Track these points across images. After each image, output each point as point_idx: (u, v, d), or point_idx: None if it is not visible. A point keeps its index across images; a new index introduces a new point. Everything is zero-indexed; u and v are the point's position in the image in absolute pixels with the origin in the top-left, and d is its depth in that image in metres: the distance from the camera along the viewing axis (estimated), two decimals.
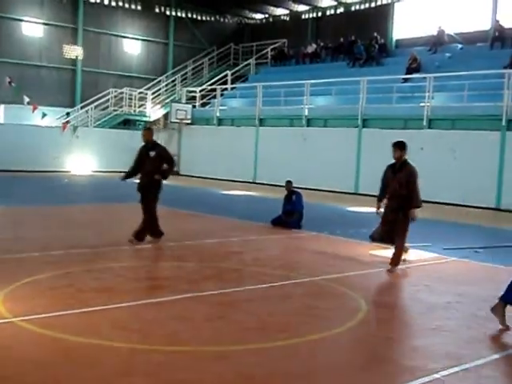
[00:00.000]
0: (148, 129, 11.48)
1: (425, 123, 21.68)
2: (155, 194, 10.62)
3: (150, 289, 7.49)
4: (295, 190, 13.72)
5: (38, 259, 8.91)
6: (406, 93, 23.90)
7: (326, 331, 6.08)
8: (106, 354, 5.18)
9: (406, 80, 25.16)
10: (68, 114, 31.13)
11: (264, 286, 7.92)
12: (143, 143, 10.88)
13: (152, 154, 10.47)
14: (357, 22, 32.54)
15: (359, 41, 30.46)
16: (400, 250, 9.28)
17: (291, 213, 13.42)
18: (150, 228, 10.56)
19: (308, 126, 25.58)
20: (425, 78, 22.85)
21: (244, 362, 5.18)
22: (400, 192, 9.03)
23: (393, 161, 9.41)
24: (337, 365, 5.29)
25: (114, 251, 9.79)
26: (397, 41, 32.18)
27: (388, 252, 10.89)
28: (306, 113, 25.54)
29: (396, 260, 9.23)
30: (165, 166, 10.58)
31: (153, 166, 10.44)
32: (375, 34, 29.87)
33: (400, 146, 9.18)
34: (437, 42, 28.27)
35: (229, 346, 5.54)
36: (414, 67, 25.96)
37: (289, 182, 13.68)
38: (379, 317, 6.78)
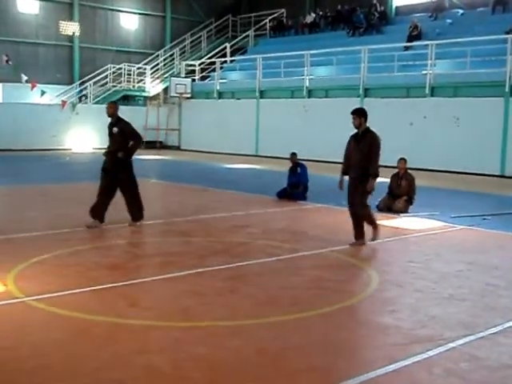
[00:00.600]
0: (112, 102, 10.62)
1: (427, 91, 21.54)
2: (127, 175, 9.89)
3: (159, 265, 7.46)
4: (300, 162, 13.65)
5: (45, 238, 8.89)
6: (407, 61, 23.64)
7: (337, 304, 6.06)
8: (122, 331, 5.17)
9: (407, 48, 24.91)
10: (81, 92, 30.85)
11: (273, 259, 7.91)
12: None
13: (115, 130, 9.83)
14: None
15: (358, 9, 30.11)
16: (370, 219, 8.91)
17: (296, 185, 13.37)
18: (135, 207, 10.01)
19: (309, 97, 25.43)
20: (426, 45, 22.63)
21: (258, 336, 5.17)
22: (361, 164, 8.51)
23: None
24: (350, 338, 5.28)
25: (119, 228, 9.76)
26: (396, 8, 31.76)
27: (395, 222, 10.89)
28: (307, 84, 25.35)
29: (374, 230, 8.93)
30: (131, 142, 9.85)
31: (116, 143, 9.82)
32: (374, 1, 29.48)
33: (359, 113, 8.65)
34: (437, 8, 27.95)
35: (242, 320, 5.53)
36: (414, 35, 25.69)
37: (293, 154, 13.60)
38: (391, 287, 6.76)
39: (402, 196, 12.19)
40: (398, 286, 6.78)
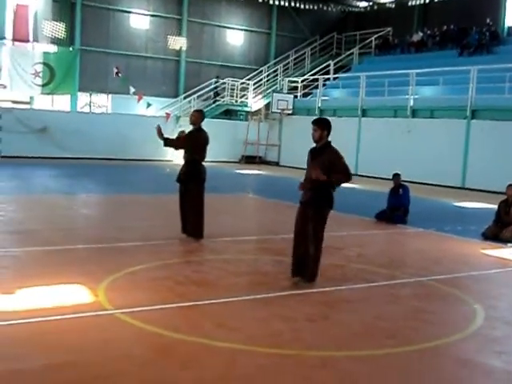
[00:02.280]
0: (197, 110, 10.15)
1: None
2: (198, 188, 9.54)
3: (250, 284, 7.23)
4: (403, 183, 13.12)
5: (138, 249, 8.89)
6: None
7: (437, 340, 5.59)
8: (207, 354, 4.96)
9: None
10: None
11: (368, 285, 7.51)
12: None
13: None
14: (466, 9, 31.01)
15: (474, 28, 29.00)
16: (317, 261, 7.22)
17: (397, 207, 12.84)
18: (195, 226, 9.51)
19: (413, 117, 24.67)
20: None
21: (351, 370, 4.82)
22: (314, 184, 7.08)
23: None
24: (450, 381, 4.82)
25: (213, 243, 9.63)
26: (509, 28, 30.46)
27: (502, 252, 10.20)
28: (411, 103, 24.62)
29: (311, 272, 7.19)
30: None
31: (191, 152, 9.57)
32: (488, 21, 28.33)
33: (320, 125, 7.16)
34: None
35: (334, 351, 5.19)
36: None
37: (397, 175, 13.09)
38: (498, 325, 6.21)
39: (510, 224, 11.42)
40: (507, 324, 6.22)
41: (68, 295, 6.31)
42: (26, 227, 10.22)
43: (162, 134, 9.57)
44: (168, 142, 9.75)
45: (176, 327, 5.50)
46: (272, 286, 7.17)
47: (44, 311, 5.76)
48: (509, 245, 10.92)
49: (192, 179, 9.50)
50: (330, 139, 7.27)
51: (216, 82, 32.50)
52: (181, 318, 5.85)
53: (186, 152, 9.65)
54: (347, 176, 7.14)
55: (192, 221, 9.46)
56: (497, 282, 8.28)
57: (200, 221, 9.48)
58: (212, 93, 32.23)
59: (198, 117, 9.68)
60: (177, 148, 10.08)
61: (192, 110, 30.05)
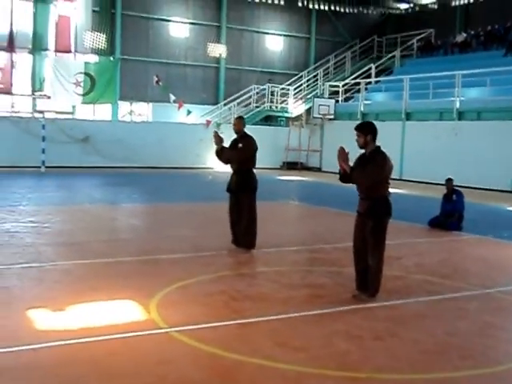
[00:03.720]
0: (239, 118, 9.80)
1: None
2: (250, 198, 9.20)
3: (308, 298, 6.86)
4: (456, 188, 12.61)
5: (189, 260, 8.61)
6: None
7: None
8: (270, 377, 4.62)
9: None
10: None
11: (434, 297, 7.07)
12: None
13: (240, 146, 9.18)
14: (510, 7, 30.14)
15: None
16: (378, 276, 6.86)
17: (451, 214, 12.33)
18: (249, 236, 9.17)
19: (459, 119, 24.01)
20: None
21: None
22: (369, 193, 6.85)
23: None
24: None
25: (263, 253, 9.30)
26: None
27: None
28: (458, 105, 23.96)
29: (373, 286, 6.83)
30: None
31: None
32: None
33: (363, 130, 6.82)
34: None
35: (408, 373, 4.80)
36: None
37: (450, 180, 12.57)
38: None
39: None
40: None
41: (119, 312, 6.05)
42: (75, 239, 10.05)
43: (222, 141, 9.11)
44: (223, 153, 9.24)
45: (235, 347, 5.17)
46: (331, 299, 6.80)
47: (95, 330, 5.49)
48: None
49: (244, 189, 9.17)
50: (379, 144, 6.86)
51: (269, 87, 32.17)
52: (239, 336, 5.52)
53: (234, 161, 9.27)
54: (365, 178, 6.70)
55: (245, 231, 9.13)
56: None
57: (254, 231, 9.17)
58: (259, 98, 31.94)
59: (241, 123, 9.40)
60: (229, 162, 9.40)
61: (233, 116, 30.03)
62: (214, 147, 9.31)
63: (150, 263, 8.44)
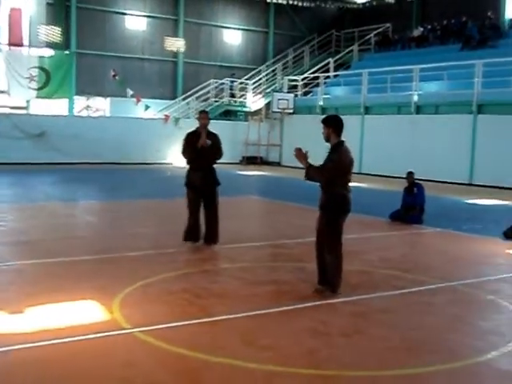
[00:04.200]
0: (207, 112, 9.57)
1: None
2: (215, 192, 9.15)
3: (273, 295, 6.76)
4: (417, 182, 12.69)
5: (150, 258, 8.43)
6: None
7: (486, 353, 5.14)
8: (239, 377, 4.51)
9: None
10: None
11: (399, 292, 7.06)
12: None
13: (208, 142, 8.91)
14: (466, 2, 30.59)
15: (469, 22, 28.64)
16: (337, 268, 6.80)
17: (412, 207, 12.40)
18: (215, 231, 9.14)
19: (417, 113, 24.25)
20: None
21: None
22: (326, 188, 6.81)
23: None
24: None
25: (226, 249, 9.18)
26: (510, 20, 30.03)
27: None
28: (416, 99, 24.19)
29: (332, 283, 6.77)
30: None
31: (207, 157, 9.01)
32: (489, 14, 27.94)
33: (326, 123, 6.72)
34: None
35: (376, 370, 4.74)
36: None
37: (411, 174, 12.65)
38: None
39: None
40: None
41: (80, 313, 5.85)
42: (30, 237, 9.75)
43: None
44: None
45: (202, 347, 5.04)
46: (296, 295, 6.72)
47: (55, 332, 5.29)
48: None
49: (211, 184, 9.00)
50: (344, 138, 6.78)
51: (232, 82, 32.02)
52: (206, 335, 5.39)
53: (205, 157, 9.00)
54: (320, 174, 6.61)
55: (213, 227, 9.02)
56: None
57: (218, 225, 9.12)
58: (210, 94, 31.72)
59: (208, 117, 9.21)
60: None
61: (192, 111, 29.74)
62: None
63: (110, 262, 8.22)
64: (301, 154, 6.68)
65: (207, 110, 30.39)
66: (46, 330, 5.36)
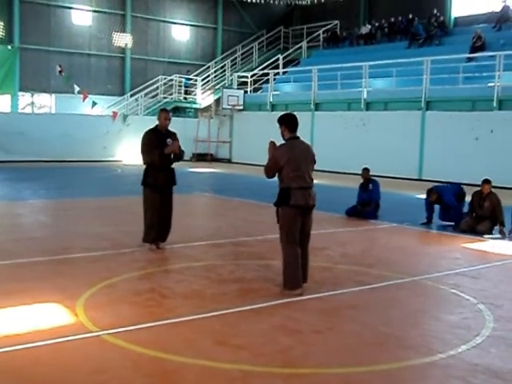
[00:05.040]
0: (168, 110, 9.19)
1: (495, 104, 20.44)
2: (171, 192, 8.94)
3: (240, 293, 6.68)
4: (372, 178, 12.81)
5: (109, 258, 8.23)
6: (472, 73, 22.59)
7: (455, 347, 5.19)
8: (216, 378, 4.41)
9: (470, 59, 23.85)
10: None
11: (364, 287, 7.07)
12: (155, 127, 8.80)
13: (169, 141, 8.59)
14: (412, 0, 31.11)
15: (416, 19, 29.18)
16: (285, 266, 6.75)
17: (368, 203, 12.53)
18: (168, 229, 8.91)
19: (367, 109, 24.54)
20: (491, 56, 21.62)
21: None
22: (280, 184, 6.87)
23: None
24: None
25: (186, 248, 9.05)
26: (455, 19, 30.76)
27: (483, 245, 9.97)
28: (365, 96, 24.47)
29: (284, 279, 6.72)
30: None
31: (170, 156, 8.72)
32: (435, 12, 28.50)
33: (278, 121, 6.79)
34: (501, 19, 26.83)
35: (352, 366, 4.72)
36: (478, 46, 24.64)
37: (366, 170, 12.77)
38: (510, 327, 5.86)
39: (484, 217, 11.19)
40: None
41: (43, 316, 5.64)
42: None
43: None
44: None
45: (174, 348, 4.93)
46: (263, 293, 6.66)
47: (16, 338, 5.05)
48: (486, 237, 10.72)
49: (172, 184, 8.82)
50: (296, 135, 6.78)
51: (188, 79, 31.77)
52: (176, 336, 5.27)
53: (168, 157, 8.70)
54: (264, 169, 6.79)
55: (168, 226, 8.82)
56: (489, 278, 7.94)
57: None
58: (159, 90, 31.37)
59: (170, 117, 8.87)
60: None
61: (140, 108, 29.30)
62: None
63: (68, 263, 7.99)
64: (270, 148, 6.72)
65: (153, 107, 30.26)
66: (5, 335, 5.12)
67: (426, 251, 9.63)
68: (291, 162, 6.58)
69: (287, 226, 6.64)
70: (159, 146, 8.52)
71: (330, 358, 4.89)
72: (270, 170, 6.73)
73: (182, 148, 8.85)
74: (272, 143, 6.75)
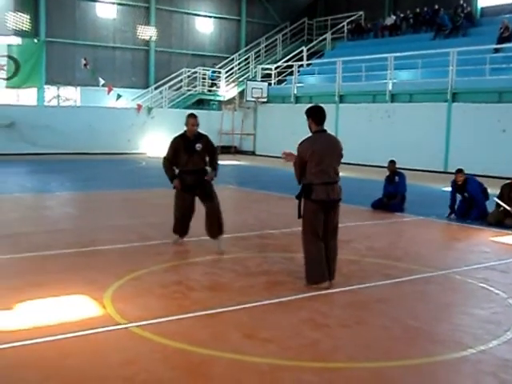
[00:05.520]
0: (195, 115, 8.62)
1: None
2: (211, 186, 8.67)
3: (267, 286, 6.66)
4: (398, 170, 12.69)
5: (136, 250, 8.27)
6: (499, 64, 22.25)
7: (487, 342, 5.12)
8: (245, 372, 4.39)
9: (497, 50, 23.49)
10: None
11: (392, 281, 7.01)
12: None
13: (198, 147, 8.33)
14: None
15: (442, 10, 28.80)
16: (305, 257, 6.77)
17: (394, 195, 12.42)
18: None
19: (392, 101, 24.30)
20: None
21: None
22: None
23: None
24: None
25: (214, 241, 9.01)
26: (482, 9, 30.28)
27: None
28: (390, 88, 24.24)
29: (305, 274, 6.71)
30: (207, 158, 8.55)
31: (200, 160, 8.45)
32: (461, 2, 28.10)
33: (306, 113, 6.74)
34: None
35: (382, 361, 4.68)
36: (505, 36, 24.23)
37: (392, 162, 12.65)
38: None
39: None
40: None
41: (72, 308, 5.68)
42: (9, 231, 9.47)
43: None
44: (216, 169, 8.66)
45: (202, 341, 4.92)
46: (290, 286, 6.64)
47: (46, 330, 5.10)
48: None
49: (201, 182, 8.51)
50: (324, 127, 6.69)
51: (214, 72, 31.80)
52: (204, 329, 5.26)
53: (197, 162, 8.43)
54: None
55: (214, 221, 8.43)
56: None
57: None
58: (183, 83, 31.37)
59: (197, 122, 8.50)
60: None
61: (164, 100, 29.32)
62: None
63: (96, 255, 8.04)
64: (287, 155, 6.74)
65: (176, 99, 30.28)
66: (35, 327, 5.16)
67: (454, 245, 9.53)
68: (315, 155, 6.46)
69: (309, 221, 6.59)
70: (188, 153, 8.35)
71: (359, 352, 4.85)
72: (297, 171, 6.62)
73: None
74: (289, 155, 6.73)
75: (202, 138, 8.49)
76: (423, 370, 4.60)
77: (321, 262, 6.51)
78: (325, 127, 6.73)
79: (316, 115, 6.65)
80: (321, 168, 6.47)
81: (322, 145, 6.57)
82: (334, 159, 6.61)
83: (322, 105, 7.14)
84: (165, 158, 8.55)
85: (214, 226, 8.41)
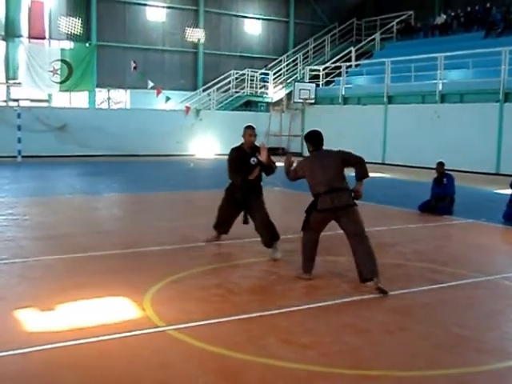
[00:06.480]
0: (253, 127, 8.54)
1: None
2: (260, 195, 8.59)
3: (308, 290, 6.56)
4: (447, 172, 12.39)
5: (177, 252, 8.26)
6: None
7: None
8: (282, 379, 4.31)
9: None
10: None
11: (438, 286, 6.81)
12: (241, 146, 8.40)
13: (254, 161, 8.22)
14: None
15: (494, 8, 28.10)
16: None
17: (442, 197, 12.12)
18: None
19: (442, 102, 23.81)
20: None
21: None
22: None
23: None
24: None
25: (256, 243, 8.92)
26: None
27: None
28: (440, 88, 23.75)
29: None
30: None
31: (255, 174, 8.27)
32: None
33: (305, 139, 7.20)
34: None
35: (426, 370, 4.52)
36: None
37: (440, 164, 12.34)
38: None
39: None
40: None
41: (111, 310, 5.69)
42: (56, 232, 9.62)
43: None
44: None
45: (239, 346, 4.86)
46: (331, 290, 6.52)
47: (87, 331, 5.13)
48: None
49: (252, 193, 8.41)
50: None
51: (265, 74, 31.88)
52: (242, 333, 5.20)
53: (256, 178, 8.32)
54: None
55: (263, 231, 8.31)
56: None
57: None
58: (231, 85, 31.45)
59: (255, 133, 8.42)
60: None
61: (212, 102, 29.42)
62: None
63: (138, 256, 8.08)
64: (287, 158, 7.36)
65: (224, 101, 30.35)
66: (77, 328, 5.20)
67: (504, 249, 9.23)
68: (312, 173, 6.94)
69: (313, 230, 7.07)
70: (243, 167, 8.20)
71: (401, 360, 4.71)
72: (289, 175, 7.35)
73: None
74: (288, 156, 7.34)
75: (258, 150, 8.26)
76: (467, 379, 4.43)
77: (310, 254, 7.04)
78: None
79: (313, 140, 7.14)
80: (320, 181, 6.84)
81: (316, 163, 6.96)
82: (333, 170, 6.89)
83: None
84: (230, 173, 8.37)
85: (266, 236, 8.28)
